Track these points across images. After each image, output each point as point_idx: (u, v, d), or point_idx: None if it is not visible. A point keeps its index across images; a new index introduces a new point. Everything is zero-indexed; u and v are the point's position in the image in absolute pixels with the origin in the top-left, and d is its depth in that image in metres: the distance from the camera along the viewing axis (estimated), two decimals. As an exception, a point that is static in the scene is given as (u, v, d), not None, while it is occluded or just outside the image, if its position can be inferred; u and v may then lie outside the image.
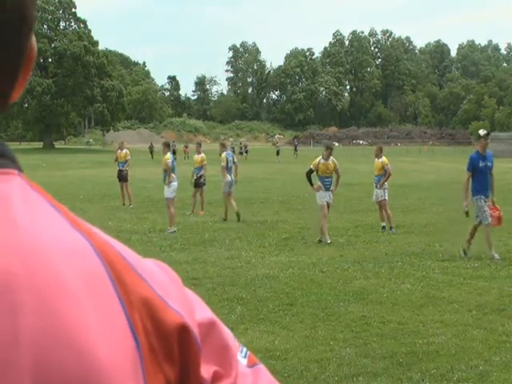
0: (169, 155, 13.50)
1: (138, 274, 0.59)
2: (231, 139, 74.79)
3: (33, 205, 0.57)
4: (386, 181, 13.19)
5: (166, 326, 0.59)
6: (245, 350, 0.71)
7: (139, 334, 0.56)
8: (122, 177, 18.27)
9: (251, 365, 0.70)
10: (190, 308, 0.63)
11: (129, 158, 18.58)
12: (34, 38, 0.62)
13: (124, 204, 17.91)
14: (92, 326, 0.53)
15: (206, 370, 0.63)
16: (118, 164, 18.68)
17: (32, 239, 0.54)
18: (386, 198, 13.19)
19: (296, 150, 57.80)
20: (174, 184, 13.45)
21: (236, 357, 0.68)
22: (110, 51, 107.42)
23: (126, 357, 0.54)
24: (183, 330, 0.60)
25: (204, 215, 15.67)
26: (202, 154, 16.06)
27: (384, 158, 13.29)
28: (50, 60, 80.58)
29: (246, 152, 53.34)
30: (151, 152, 51.87)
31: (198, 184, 15.96)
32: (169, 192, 13.40)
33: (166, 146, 14.07)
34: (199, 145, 17.05)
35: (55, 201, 0.60)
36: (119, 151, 18.88)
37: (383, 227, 13.04)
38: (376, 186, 13.25)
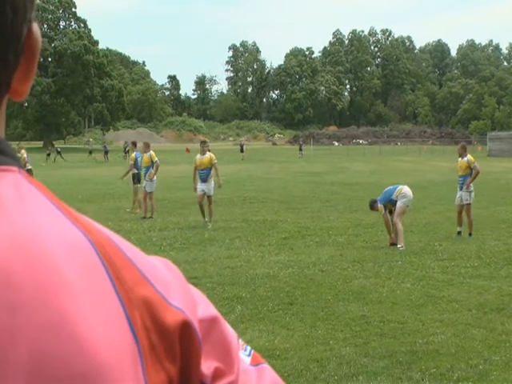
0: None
1: (139, 270, 0.58)
2: (231, 138, 74.98)
3: (30, 200, 0.56)
4: (473, 179, 12.28)
5: (167, 324, 0.58)
6: (249, 348, 0.71)
7: (139, 332, 0.56)
8: None
9: (255, 363, 0.69)
10: (192, 304, 0.62)
11: (24, 156, 19.28)
12: (36, 30, 0.61)
13: None
14: (90, 322, 0.53)
15: (207, 366, 0.62)
16: None
17: (27, 233, 0.53)
18: (472, 201, 12.34)
19: (301, 149, 57.94)
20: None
21: (238, 354, 0.67)
22: (109, 51, 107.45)
23: (125, 354, 0.54)
24: (184, 326, 0.59)
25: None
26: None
27: (470, 157, 12.37)
28: (49, 59, 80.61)
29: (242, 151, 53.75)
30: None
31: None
32: (151, 186, 15.46)
33: (147, 145, 15.89)
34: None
35: (55, 197, 0.59)
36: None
37: (459, 232, 12.22)
38: (461, 188, 12.35)
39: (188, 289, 0.65)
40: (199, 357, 0.61)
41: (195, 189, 14.14)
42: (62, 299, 0.52)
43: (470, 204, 12.29)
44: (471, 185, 12.29)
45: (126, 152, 51.63)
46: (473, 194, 12.37)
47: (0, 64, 0.58)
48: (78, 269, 0.54)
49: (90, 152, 52.96)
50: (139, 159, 16.65)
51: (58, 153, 50.27)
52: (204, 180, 13.96)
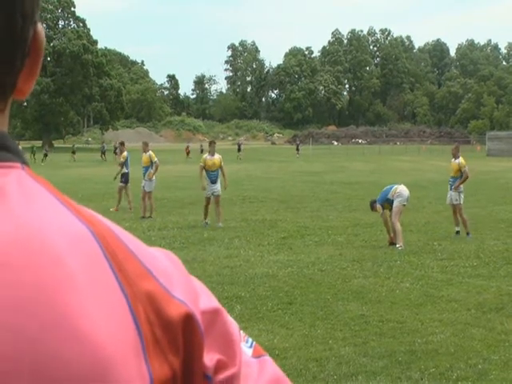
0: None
1: (141, 262, 0.58)
2: (230, 138, 75.04)
3: (33, 195, 0.57)
4: (462, 183, 12.41)
5: (171, 317, 0.58)
6: (250, 340, 0.71)
7: (142, 326, 0.56)
8: None
9: (257, 355, 0.69)
10: (194, 296, 0.62)
11: None
12: (41, 30, 0.62)
13: None
14: (93, 316, 0.53)
15: (209, 358, 0.62)
16: None
17: (30, 228, 0.54)
18: (461, 202, 12.38)
19: (298, 149, 58.04)
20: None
21: (241, 346, 0.67)
22: (108, 50, 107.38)
23: (128, 348, 0.54)
24: (187, 319, 0.59)
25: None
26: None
27: (461, 159, 12.45)
28: (48, 59, 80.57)
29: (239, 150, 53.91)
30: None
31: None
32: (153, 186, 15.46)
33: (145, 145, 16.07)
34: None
35: (57, 191, 0.60)
36: None
37: (457, 232, 12.31)
38: (450, 188, 12.52)
39: (190, 280, 0.65)
40: (202, 349, 0.61)
41: (204, 187, 13.72)
42: (65, 294, 0.52)
43: (460, 204, 12.37)
44: (461, 186, 12.43)
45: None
46: (462, 194, 12.48)
47: (8, 66, 0.59)
48: (80, 261, 0.54)
49: (73, 152, 52.77)
50: (129, 158, 17.10)
51: (45, 155, 48.77)
52: (214, 181, 13.70)
